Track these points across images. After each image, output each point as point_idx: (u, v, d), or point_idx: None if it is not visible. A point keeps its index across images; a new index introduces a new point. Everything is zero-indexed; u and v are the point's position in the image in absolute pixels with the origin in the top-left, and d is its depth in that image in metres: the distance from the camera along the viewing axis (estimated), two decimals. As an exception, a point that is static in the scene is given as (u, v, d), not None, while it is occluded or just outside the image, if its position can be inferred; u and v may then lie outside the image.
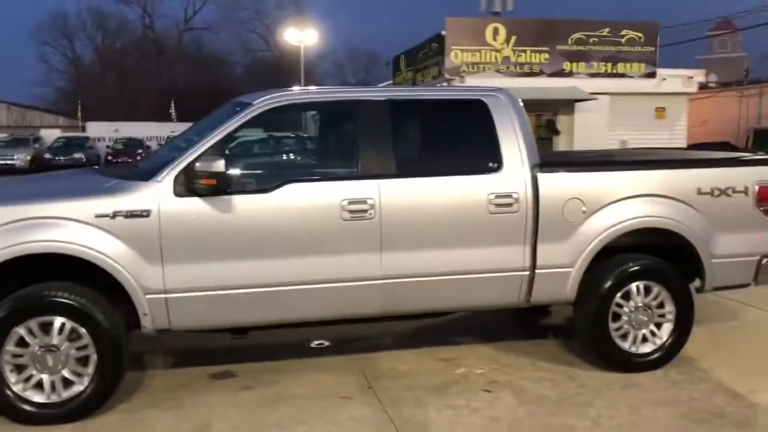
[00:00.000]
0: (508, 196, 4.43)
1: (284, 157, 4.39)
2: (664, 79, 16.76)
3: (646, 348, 4.76)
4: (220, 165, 3.85)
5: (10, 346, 3.87)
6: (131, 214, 3.97)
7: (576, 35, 16.11)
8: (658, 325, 4.77)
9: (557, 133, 16.54)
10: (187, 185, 4.01)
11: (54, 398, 3.95)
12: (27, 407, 3.92)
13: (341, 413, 4.14)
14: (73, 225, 3.91)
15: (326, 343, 5.40)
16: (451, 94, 4.76)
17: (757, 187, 4.81)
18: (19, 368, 3.92)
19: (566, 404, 4.25)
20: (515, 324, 6.04)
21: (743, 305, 6.29)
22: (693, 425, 3.95)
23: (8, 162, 29.40)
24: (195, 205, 4.04)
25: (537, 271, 4.54)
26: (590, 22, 16.40)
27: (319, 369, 4.88)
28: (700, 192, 4.72)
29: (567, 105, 16.22)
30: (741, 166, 4.92)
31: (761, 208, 4.84)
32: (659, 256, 4.79)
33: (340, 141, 4.48)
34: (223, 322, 4.28)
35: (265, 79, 56.38)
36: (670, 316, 4.76)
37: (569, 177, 4.59)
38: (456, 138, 4.61)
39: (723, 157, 5.15)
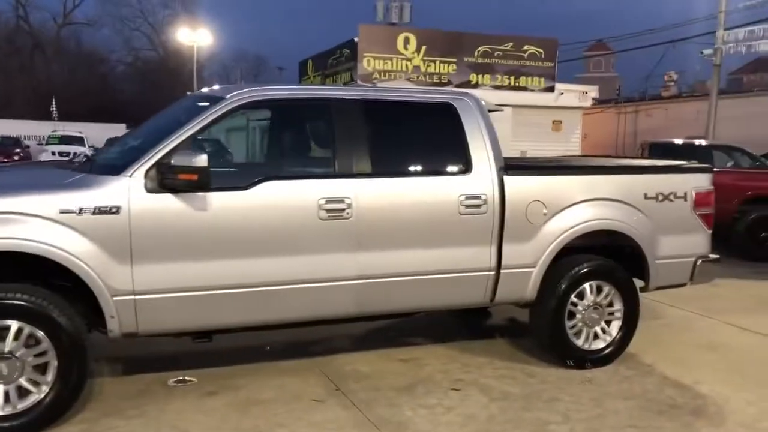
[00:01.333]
0: (477, 197, 4.52)
1: (259, 154, 4.25)
2: (562, 93, 17.66)
3: (599, 344, 5.00)
4: (202, 160, 3.68)
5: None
6: (99, 210, 3.72)
7: (482, 48, 16.66)
8: (608, 323, 5.02)
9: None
10: (160, 181, 3.81)
11: (8, 410, 3.63)
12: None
13: (317, 416, 4.06)
14: (35, 221, 3.62)
15: (268, 348, 5.25)
16: (421, 97, 4.79)
17: (694, 193, 5.17)
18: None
19: (533, 399, 4.38)
20: (463, 324, 6.15)
21: (663, 305, 6.73)
22: (654, 416, 4.18)
23: None
24: (167, 201, 3.84)
25: (502, 271, 4.66)
26: (495, 36, 17.00)
27: (280, 372, 4.76)
28: (646, 197, 5.02)
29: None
30: (682, 173, 5.28)
31: (697, 213, 5.21)
32: (607, 256, 5.04)
33: (317, 139, 4.41)
34: (194, 325, 4.09)
35: (150, 79, 54.20)
36: (619, 314, 5.02)
37: (532, 180, 4.75)
38: (427, 139, 4.66)
39: (666, 164, 5.49)
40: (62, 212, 3.66)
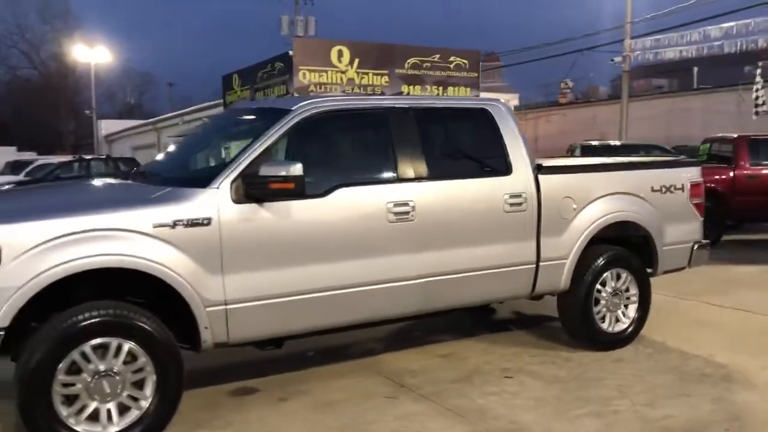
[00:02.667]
0: (519, 195, 4.85)
1: (328, 162, 4.37)
2: (487, 102, 18.44)
3: (620, 327, 5.43)
4: (298, 169, 3.79)
5: (62, 375, 3.46)
6: (192, 223, 3.75)
7: (412, 60, 17.13)
8: (626, 307, 5.47)
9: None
10: (246, 191, 3.88)
11: (111, 429, 3.59)
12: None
13: (397, 410, 4.23)
14: (131, 236, 3.61)
15: (311, 353, 5.35)
16: (459, 104, 5.07)
17: (689, 185, 5.73)
18: (70, 399, 3.51)
19: (582, 380, 4.74)
20: (474, 320, 6.44)
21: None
22: (695, 385, 4.62)
23: None
24: (254, 211, 3.92)
25: (540, 263, 5.00)
26: (423, 48, 17.52)
27: (334, 375, 4.88)
28: (653, 189, 5.52)
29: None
30: (679, 167, 5.84)
31: (692, 202, 5.78)
32: (620, 245, 5.50)
33: (377, 146, 4.58)
34: (279, 331, 4.16)
35: (29, 98, 50.99)
36: (635, 298, 5.49)
37: (562, 178, 5.13)
38: (470, 143, 4.95)
39: (667, 160, 6.04)
40: (156, 226, 3.67)
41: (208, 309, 3.81)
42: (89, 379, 3.52)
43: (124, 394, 3.62)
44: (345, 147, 4.50)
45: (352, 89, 16.36)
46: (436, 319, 6.10)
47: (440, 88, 17.46)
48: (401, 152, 4.48)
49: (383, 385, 4.69)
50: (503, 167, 4.87)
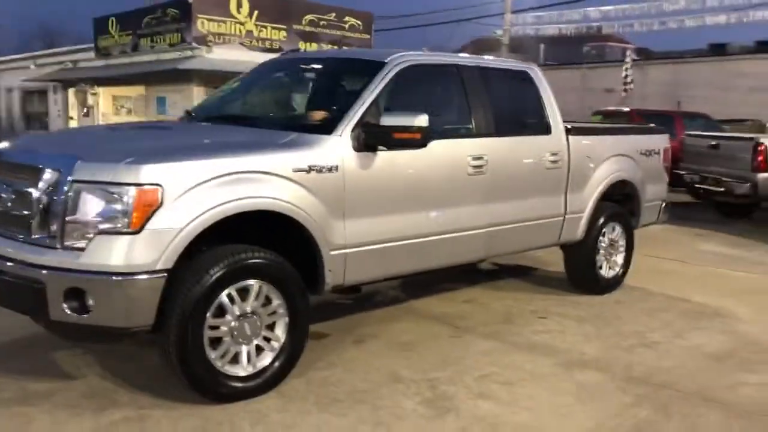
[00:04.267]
0: (556, 154, 5.33)
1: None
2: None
3: (612, 273, 6.15)
4: (424, 120, 3.94)
5: (210, 317, 3.44)
6: (323, 169, 3.81)
7: (309, 17, 17.02)
8: (617, 255, 6.19)
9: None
10: (363, 140, 3.98)
11: (249, 369, 3.62)
12: (233, 383, 3.54)
13: (474, 347, 4.59)
14: (275, 180, 3.61)
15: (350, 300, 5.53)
16: (508, 65, 5.41)
17: (663, 149, 6.56)
18: (213, 341, 3.50)
19: (605, 319, 5.36)
20: (471, 271, 6.85)
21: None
22: (698, 319, 5.40)
23: None
24: (370, 159, 4.04)
25: (566, 216, 5.54)
26: (320, 5, 17.45)
27: (388, 319, 5.11)
28: (640, 153, 6.26)
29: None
30: (656, 134, 6.64)
31: (663, 165, 6.61)
32: (613, 201, 6.19)
33: (454, 101, 4.78)
34: (381, 275, 4.33)
35: None
36: (623, 248, 6.22)
37: (584, 139, 5.68)
38: (521, 103, 5.31)
39: (648, 127, 6.81)
40: (295, 171, 3.69)
41: (332, 252, 3.91)
42: (232, 322, 3.52)
43: (261, 335, 3.66)
44: (431, 101, 4.68)
45: (251, 42, 16.00)
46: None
47: (336, 47, 17.54)
48: (474, 108, 4.77)
49: (439, 326, 5.00)
50: (544, 127, 5.31)
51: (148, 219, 3.19)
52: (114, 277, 3.17)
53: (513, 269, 6.93)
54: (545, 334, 4.94)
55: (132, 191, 3.17)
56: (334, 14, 17.48)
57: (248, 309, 3.57)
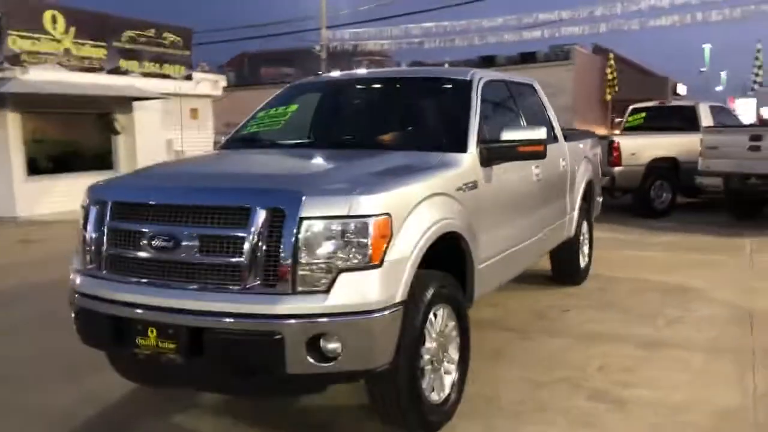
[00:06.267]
0: (564, 159, 5.81)
1: (498, 127, 4.60)
2: (199, 82, 17.96)
3: (584, 263, 6.80)
4: (543, 132, 4.12)
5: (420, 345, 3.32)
6: (469, 186, 3.85)
7: (129, 33, 15.73)
8: (585, 246, 6.86)
9: (117, 132, 15.79)
10: (489, 154, 4.08)
11: (442, 395, 3.54)
12: (435, 411, 3.44)
13: (551, 346, 4.87)
14: (448, 200, 3.58)
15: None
16: (520, 79, 5.72)
17: (599, 151, 7.41)
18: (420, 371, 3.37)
19: (612, 304, 5.94)
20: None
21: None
22: (686, 299, 6.13)
23: None
24: (490, 173, 4.14)
25: (568, 215, 6.05)
26: (139, 21, 16.21)
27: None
28: (594, 155, 7.03)
29: (125, 104, 15.69)
30: (597, 137, 7.47)
31: (600, 166, 7.46)
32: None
33: (515, 113, 4.97)
34: (488, 288, 4.37)
35: None
36: (587, 240, 6.92)
37: (573, 145, 6.23)
38: (539, 113, 5.66)
39: (592, 132, 7.60)
40: (457, 190, 3.69)
41: (477, 267, 3.95)
42: (432, 349, 3.43)
43: (444, 359, 3.60)
44: (501, 114, 4.86)
45: (69, 60, 14.49)
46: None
47: (157, 65, 16.60)
48: (525, 118, 5.07)
49: (502, 333, 5.18)
50: (554, 136, 5.76)
51: (385, 251, 3.02)
52: (364, 317, 2.95)
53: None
54: (592, 324, 5.38)
55: (370, 223, 2.97)
56: (153, 30, 16.44)
57: (435, 334, 3.49)
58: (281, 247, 2.91)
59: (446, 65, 19.34)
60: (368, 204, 2.99)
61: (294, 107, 4.80)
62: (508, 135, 4.11)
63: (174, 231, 3.07)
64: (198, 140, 18.12)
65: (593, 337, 5.04)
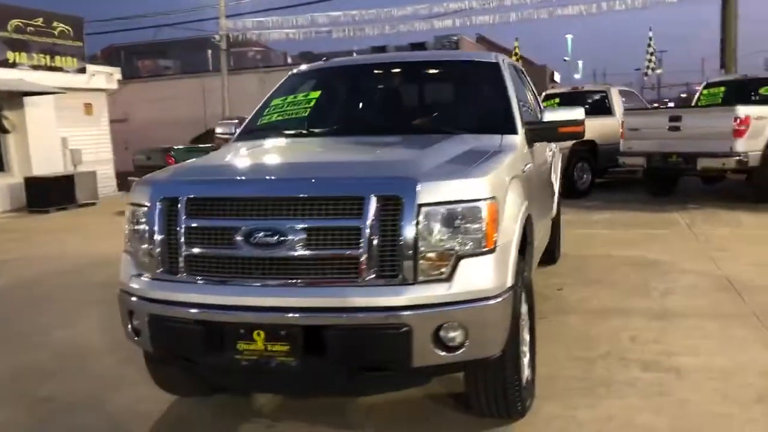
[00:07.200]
0: (552, 150, 5.91)
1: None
2: (94, 74, 16.74)
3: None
4: (581, 113, 4.17)
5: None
6: (528, 167, 3.87)
7: (14, 22, 14.36)
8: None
9: (7, 131, 14.40)
10: (533, 135, 4.10)
11: (526, 377, 3.52)
12: (526, 394, 3.42)
13: (571, 323, 5.00)
14: (519, 182, 3.54)
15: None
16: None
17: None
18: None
19: (600, 280, 6.18)
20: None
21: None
22: (651, 266, 6.55)
23: None
24: (534, 154, 4.18)
25: (555, 196, 6.21)
26: (25, 10, 14.78)
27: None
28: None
29: (15, 100, 14.35)
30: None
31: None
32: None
33: (526, 95, 4.97)
34: (534, 268, 4.41)
35: None
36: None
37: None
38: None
39: None
40: (522, 171, 3.68)
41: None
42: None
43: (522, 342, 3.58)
44: (521, 94, 4.87)
45: (-49, 53, 13.12)
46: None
47: (48, 57, 15.40)
48: (534, 100, 5.15)
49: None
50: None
51: (496, 236, 2.95)
52: (485, 303, 2.86)
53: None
54: (592, 300, 5.56)
55: (484, 207, 2.89)
56: (41, 19, 15.17)
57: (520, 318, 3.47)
58: (400, 235, 2.77)
59: (354, 54, 19.27)
60: (480, 188, 2.91)
61: (316, 93, 4.56)
62: (550, 116, 4.14)
63: (276, 225, 2.84)
64: (93, 137, 17.00)
65: (601, 312, 5.21)
